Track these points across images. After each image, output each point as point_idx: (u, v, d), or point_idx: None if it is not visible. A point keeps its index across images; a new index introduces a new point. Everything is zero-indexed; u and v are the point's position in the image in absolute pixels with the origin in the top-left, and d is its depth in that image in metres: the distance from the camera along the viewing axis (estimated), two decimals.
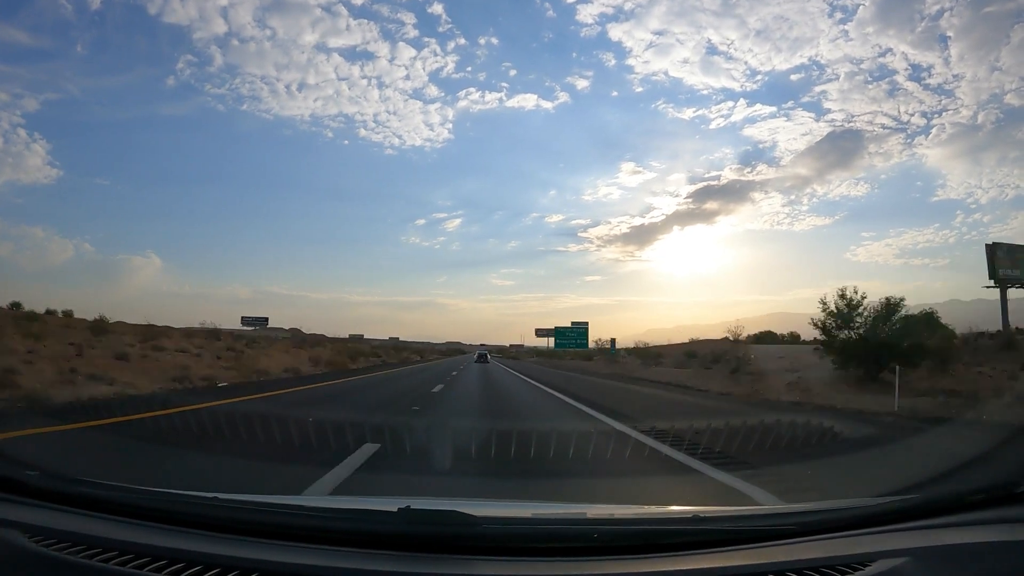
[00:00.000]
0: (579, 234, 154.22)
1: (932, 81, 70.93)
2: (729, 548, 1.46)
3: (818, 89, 75.44)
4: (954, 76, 71.75)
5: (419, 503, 1.52)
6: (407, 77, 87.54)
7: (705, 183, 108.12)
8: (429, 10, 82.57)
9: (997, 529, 1.53)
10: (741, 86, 78.66)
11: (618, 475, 4.81)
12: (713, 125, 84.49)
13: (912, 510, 1.65)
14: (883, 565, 1.36)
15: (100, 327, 24.89)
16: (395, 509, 1.45)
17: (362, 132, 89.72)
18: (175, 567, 1.30)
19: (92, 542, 1.39)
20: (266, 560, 1.33)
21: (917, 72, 74.94)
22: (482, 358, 53.01)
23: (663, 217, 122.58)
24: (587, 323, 57.27)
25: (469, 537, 1.43)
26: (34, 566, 1.33)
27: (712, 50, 79.23)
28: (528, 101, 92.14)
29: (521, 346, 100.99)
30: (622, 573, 1.36)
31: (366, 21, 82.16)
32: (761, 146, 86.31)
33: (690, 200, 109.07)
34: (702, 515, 1.66)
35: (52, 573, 1.31)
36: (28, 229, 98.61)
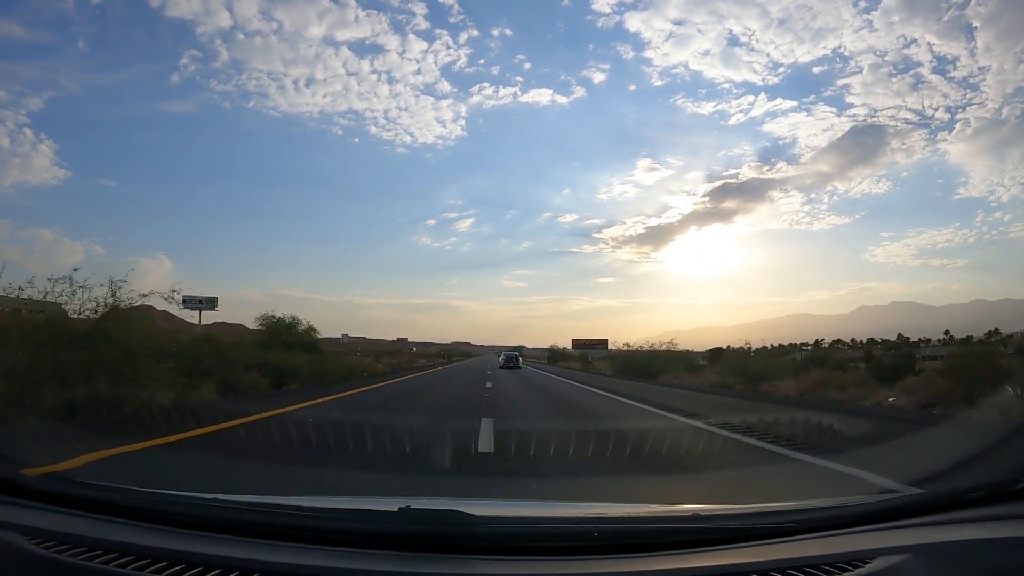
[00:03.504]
0: (593, 235, 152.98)
1: (957, 74, 69.75)
2: (729, 546, 1.46)
3: (841, 82, 74.29)
4: (979, 68, 70.33)
5: (419, 503, 1.52)
6: (418, 71, 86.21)
7: (723, 181, 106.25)
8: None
9: (997, 526, 1.54)
10: (762, 79, 77.07)
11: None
12: (732, 120, 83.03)
13: (912, 507, 1.65)
14: (883, 562, 1.36)
15: None
16: (395, 509, 1.45)
17: (372, 129, 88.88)
18: (175, 568, 1.30)
19: (91, 544, 1.39)
20: (266, 561, 1.33)
21: (942, 64, 72.90)
22: (510, 361, 39.67)
23: (679, 217, 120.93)
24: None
25: (469, 536, 1.43)
26: (33, 568, 1.33)
27: (733, 41, 77.90)
28: (543, 96, 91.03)
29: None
30: (622, 572, 1.36)
31: (375, 12, 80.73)
32: (781, 142, 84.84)
33: (707, 199, 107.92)
34: (702, 513, 1.66)
35: (52, 575, 1.31)
36: (38, 232, 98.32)
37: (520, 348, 72.13)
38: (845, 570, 1.34)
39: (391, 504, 1.49)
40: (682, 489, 4.43)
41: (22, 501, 1.62)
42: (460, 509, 1.46)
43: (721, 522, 1.61)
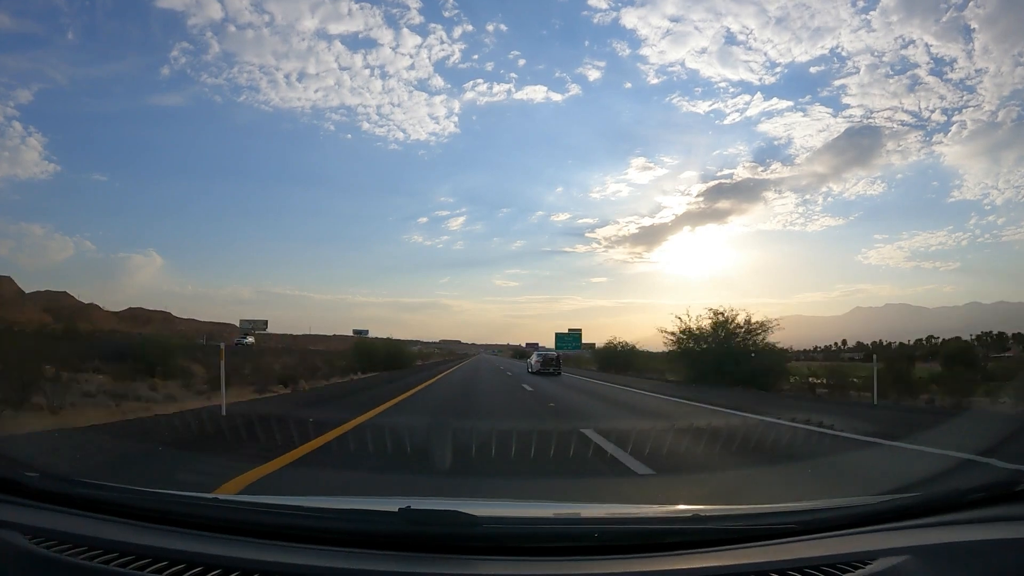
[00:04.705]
0: (586, 234, 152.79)
1: (954, 76, 69.84)
2: (730, 547, 1.46)
3: (837, 83, 74.43)
4: (976, 71, 70.43)
5: (419, 503, 1.52)
6: (412, 67, 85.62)
7: (718, 181, 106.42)
8: None
9: (998, 527, 1.54)
10: (759, 79, 77.16)
11: None
12: (728, 120, 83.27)
13: (912, 508, 1.65)
14: (883, 563, 1.37)
15: None
16: (395, 509, 1.45)
17: (365, 125, 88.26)
18: (176, 568, 1.30)
19: (92, 543, 1.39)
20: (267, 561, 1.33)
21: (939, 66, 72.43)
22: (548, 365, 29.77)
23: (673, 217, 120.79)
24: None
25: (470, 537, 1.43)
26: (34, 567, 1.32)
27: (731, 39, 77.93)
28: (537, 93, 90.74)
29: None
30: (623, 572, 1.36)
31: (369, 5, 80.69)
32: (776, 143, 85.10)
33: (701, 199, 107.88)
34: (703, 514, 1.67)
35: (52, 574, 1.31)
36: (27, 227, 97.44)
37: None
38: (846, 571, 1.34)
39: (391, 504, 1.49)
40: None
41: (23, 500, 1.62)
42: (461, 509, 1.46)
43: (722, 523, 1.62)
